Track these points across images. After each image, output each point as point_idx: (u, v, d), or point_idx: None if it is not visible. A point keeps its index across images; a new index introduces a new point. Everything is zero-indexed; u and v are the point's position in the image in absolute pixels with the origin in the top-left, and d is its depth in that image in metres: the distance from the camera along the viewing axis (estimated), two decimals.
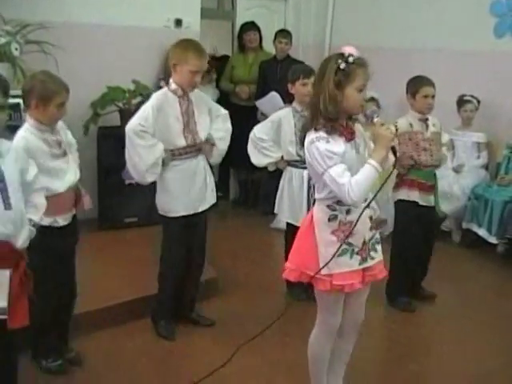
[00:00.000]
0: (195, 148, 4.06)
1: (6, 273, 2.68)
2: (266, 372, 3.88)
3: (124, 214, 5.95)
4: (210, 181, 4.24)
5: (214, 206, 4.34)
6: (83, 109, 5.71)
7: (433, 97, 4.60)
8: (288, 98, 6.74)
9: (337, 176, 2.81)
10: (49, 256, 3.31)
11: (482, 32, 6.58)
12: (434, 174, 4.82)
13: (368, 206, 2.98)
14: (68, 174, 3.44)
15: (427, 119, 4.68)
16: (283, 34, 7.11)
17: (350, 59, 2.86)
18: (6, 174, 2.69)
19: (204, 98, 4.19)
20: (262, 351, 4.06)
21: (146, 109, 3.94)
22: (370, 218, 3.10)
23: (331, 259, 2.93)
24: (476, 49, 6.50)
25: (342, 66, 2.85)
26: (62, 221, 3.41)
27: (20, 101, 4.03)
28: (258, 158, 4.82)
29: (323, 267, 2.95)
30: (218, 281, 4.95)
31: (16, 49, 4.84)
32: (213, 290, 4.85)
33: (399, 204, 4.78)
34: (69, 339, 3.83)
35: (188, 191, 4.06)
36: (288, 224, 4.77)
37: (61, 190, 3.32)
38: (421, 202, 4.70)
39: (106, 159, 5.83)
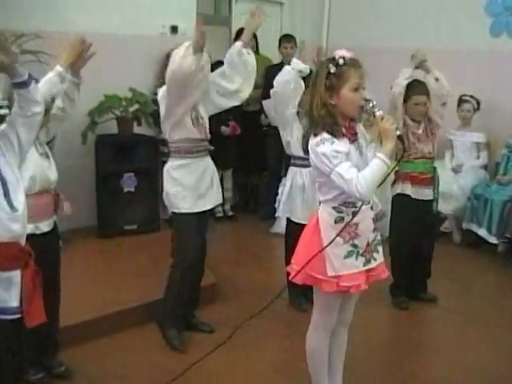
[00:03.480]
0: (205, 147, 4.09)
1: (18, 273, 2.67)
2: (265, 374, 3.87)
3: (123, 221, 5.95)
4: (217, 181, 4.25)
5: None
6: (81, 117, 5.71)
7: (424, 104, 4.61)
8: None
9: (344, 172, 2.83)
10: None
11: (478, 31, 6.60)
12: (434, 168, 4.85)
13: (368, 202, 2.99)
14: (49, 173, 3.40)
15: (420, 120, 4.71)
16: (287, 38, 7.09)
17: (341, 61, 2.89)
18: (6, 175, 2.64)
19: None
20: (260, 353, 4.08)
21: None
22: (373, 220, 3.13)
23: (328, 245, 2.95)
24: (472, 48, 6.51)
25: (332, 70, 2.89)
26: (44, 226, 3.36)
27: None
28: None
29: (317, 254, 2.96)
30: (217, 286, 4.94)
31: None
32: (212, 295, 4.84)
33: (395, 199, 4.81)
34: (58, 353, 3.74)
35: (198, 187, 4.05)
36: (288, 226, 4.74)
37: (38, 186, 3.28)
38: (413, 196, 4.70)
39: (105, 167, 5.84)
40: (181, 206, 4.05)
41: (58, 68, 3.42)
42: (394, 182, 4.76)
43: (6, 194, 2.60)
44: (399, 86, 4.56)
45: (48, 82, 3.36)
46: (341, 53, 2.91)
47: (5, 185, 2.61)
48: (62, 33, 5.52)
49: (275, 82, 4.51)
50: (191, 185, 4.03)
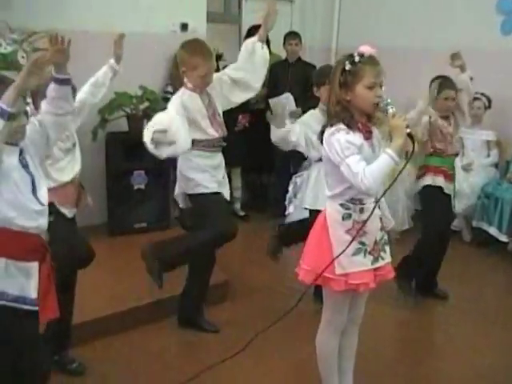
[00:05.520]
0: (219, 143, 4.14)
1: (36, 265, 2.74)
2: (280, 375, 3.89)
3: (133, 219, 5.96)
4: (227, 179, 4.31)
5: None
6: (91, 115, 5.65)
7: (453, 99, 4.71)
8: (301, 101, 6.69)
9: (353, 164, 2.83)
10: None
11: (489, 30, 6.57)
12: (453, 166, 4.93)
13: (379, 201, 2.99)
14: (76, 165, 3.58)
15: (448, 116, 4.79)
16: (292, 35, 7.11)
17: (356, 59, 2.90)
18: (33, 172, 2.73)
19: (215, 86, 4.16)
20: (275, 354, 4.09)
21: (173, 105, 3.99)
22: (380, 219, 3.13)
23: (342, 253, 2.95)
24: (483, 47, 6.48)
25: (348, 67, 2.90)
26: (67, 213, 3.47)
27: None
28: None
29: (334, 260, 2.96)
30: (227, 285, 4.95)
31: (23, 57, 4.85)
32: (222, 294, 4.85)
33: (425, 190, 4.84)
34: (70, 348, 3.79)
35: (216, 175, 4.14)
36: (312, 216, 4.67)
37: (66, 179, 3.46)
38: (445, 190, 4.78)
39: (115, 165, 5.85)
40: (207, 185, 4.07)
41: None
42: (420, 176, 4.83)
43: (34, 191, 2.70)
44: (412, 120, 4.56)
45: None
46: (364, 49, 2.92)
47: (33, 181, 2.71)
48: (72, 30, 5.55)
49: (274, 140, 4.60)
50: (211, 170, 4.09)
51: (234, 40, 7.85)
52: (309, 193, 4.67)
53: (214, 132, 4.06)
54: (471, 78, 4.73)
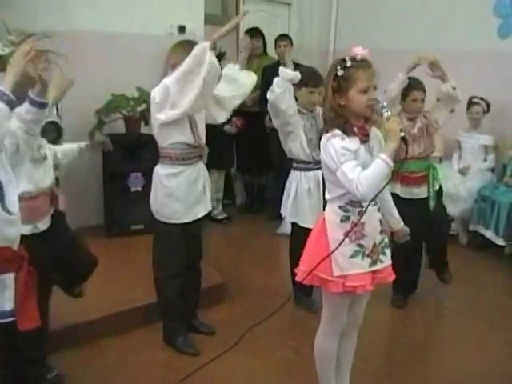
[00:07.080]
0: (197, 153, 3.96)
1: (11, 275, 2.70)
2: (273, 375, 3.89)
3: (130, 221, 5.95)
4: (208, 188, 4.13)
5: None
6: (88, 117, 5.71)
7: (422, 100, 4.61)
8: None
9: (348, 171, 2.82)
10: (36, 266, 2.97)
11: (485, 33, 6.59)
12: (429, 166, 4.74)
13: (372, 201, 2.96)
14: (45, 178, 3.38)
15: (415, 118, 4.67)
16: (281, 37, 7.12)
17: (348, 64, 2.89)
18: (1, 178, 2.63)
19: None
20: (268, 354, 4.10)
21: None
22: (380, 222, 3.12)
23: (334, 250, 2.94)
24: (480, 50, 6.50)
25: (340, 72, 2.90)
26: (41, 225, 3.34)
27: None
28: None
29: (327, 257, 2.96)
30: (224, 287, 4.94)
31: None
32: (219, 295, 4.85)
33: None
34: (47, 357, 3.63)
35: (188, 198, 3.94)
36: (294, 230, 4.71)
37: (33, 191, 3.26)
38: (401, 195, 4.63)
39: (112, 166, 5.84)
40: (168, 216, 3.95)
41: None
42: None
43: (2, 199, 2.60)
44: (394, 90, 4.50)
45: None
46: (356, 50, 2.91)
47: (1, 188, 2.60)
48: (70, 32, 5.56)
49: (269, 95, 4.47)
50: (182, 196, 3.91)
51: (231, 42, 7.84)
52: (290, 205, 4.66)
53: (190, 137, 3.87)
54: (454, 88, 4.37)
